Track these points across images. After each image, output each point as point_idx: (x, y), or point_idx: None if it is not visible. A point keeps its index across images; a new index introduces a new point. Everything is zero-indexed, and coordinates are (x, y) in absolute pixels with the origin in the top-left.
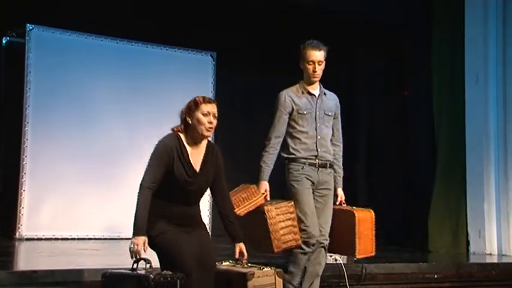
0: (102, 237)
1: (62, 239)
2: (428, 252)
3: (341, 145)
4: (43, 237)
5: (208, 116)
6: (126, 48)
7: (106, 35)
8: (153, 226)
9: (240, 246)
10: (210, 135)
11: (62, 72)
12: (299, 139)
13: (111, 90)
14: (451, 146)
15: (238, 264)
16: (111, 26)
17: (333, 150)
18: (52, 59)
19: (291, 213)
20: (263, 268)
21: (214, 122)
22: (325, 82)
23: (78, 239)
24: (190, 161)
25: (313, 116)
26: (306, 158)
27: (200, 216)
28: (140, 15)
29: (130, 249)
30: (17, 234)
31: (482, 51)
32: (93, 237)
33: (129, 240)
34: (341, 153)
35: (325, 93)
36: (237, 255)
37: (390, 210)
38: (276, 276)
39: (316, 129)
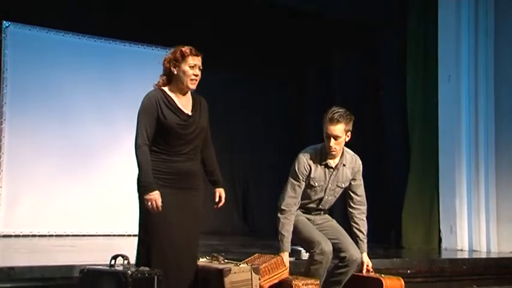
0: (80, 234)
1: (40, 235)
2: (402, 249)
3: (364, 207)
4: (20, 234)
5: (194, 68)
6: (103, 46)
7: (83, 33)
8: None
9: (220, 191)
10: (194, 87)
11: (39, 69)
12: (301, 199)
13: (88, 87)
14: (424, 145)
15: (215, 260)
16: (88, 24)
17: (351, 214)
18: (29, 56)
19: None
20: (240, 264)
21: (199, 74)
22: (307, 85)
23: (56, 235)
24: (178, 106)
25: (323, 189)
26: (301, 208)
27: (199, 177)
28: (118, 14)
29: (149, 207)
30: None
31: (454, 52)
32: (70, 234)
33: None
34: (363, 216)
35: (344, 164)
36: (216, 199)
37: None
38: (252, 272)
39: (321, 199)
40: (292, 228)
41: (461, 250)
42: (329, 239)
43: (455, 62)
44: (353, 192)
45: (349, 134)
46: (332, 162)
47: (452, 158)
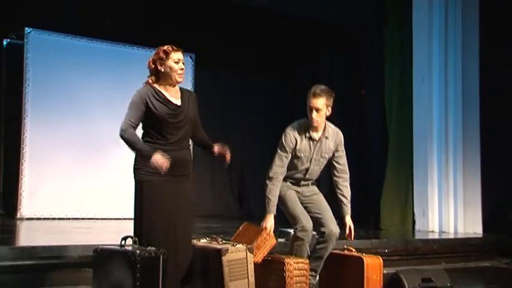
0: (94, 217)
1: (58, 218)
2: (380, 230)
3: (346, 175)
4: (41, 217)
5: (178, 63)
6: (114, 50)
7: (96, 38)
8: (144, 170)
9: (218, 146)
10: (181, 80)
11: (57, 71)
12: (289, 169)
13: (100, 87)
14: (400, 138)
15: (214, 241)
16: (101, 29)
17: (335, 182)
18: (48, 59)
19: (306, 270)
20: (236, 245)
21: (184, 67)
22: (299, 84)
23: (73, 218)
24: (168, 98)
25: (308, 159)
26: (290, 178)
27: (190, 164)
28: (127, 21)
29: (158, 166)
30: (18, 214)
31: (427, 56)
32: (86, 217)
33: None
34: (346, 183)
35: (327, 137)
36: (216, 151)
37: None
38: (247, 251)
39: (307, 168)
40: (278, 193)
41: (432, 231)
42: (312, 212)
43: (427, 65)
44: (336, 163)
45: (329, 108)
46: (315, 135)
47: (425, 150)
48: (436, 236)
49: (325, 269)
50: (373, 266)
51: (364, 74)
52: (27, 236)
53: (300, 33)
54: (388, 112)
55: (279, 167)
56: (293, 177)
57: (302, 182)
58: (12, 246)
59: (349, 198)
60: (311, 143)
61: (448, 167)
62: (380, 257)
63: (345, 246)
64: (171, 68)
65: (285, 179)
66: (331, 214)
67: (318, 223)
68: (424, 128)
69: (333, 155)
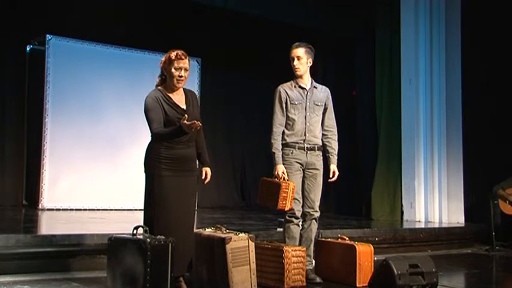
0: (108, 208)
1: (76, 209)
2: (371, 220)
3: (334, 130)
4: (60, 208)
5: (179, 70)
6: (127, 55)
7: (111, 43)
8: (155, 166)
9: (206, 170)
10: (181, 86)
11: (75, 74)
12: (290, 125)
13: (114, 89)
14: (389, 136)
15: (218, 230)
16: (115, 36)
17: (324, 136)
18: (67, 63)
19: (303, 257)
20: (238, 234)
21: (185, 74)
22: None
23: (89, 209)
24: (175, 102)
25: (303, 106)
26: (295, 143)
27: (195, 160)
28: (139, 28)
29: (194, 127)
30: (40, 205)
31: (414, 61)
32: (101, 208)
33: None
34: (334, 137)
35: (315, 87)
36: (203, 177)
37: (341, 187)
38: (249, 240)
39: (305, 117)
40: (280, 145)
41: (419, 221)
42: (304, 191)
43: (414, 69)
44: (326, 118)
45: (310, 60)
46: (304, 85)
47: (412, 147)
48: (422, 226)
49: (321, 255)
50: (365, 253)
51: (356, 77)
52: (48, 225)
53: (296, 39)
54: (378, 111)
55: (278, 120)
56: (297, 139)
57: (307, 145)
58: (34, 234)
59: (336, 150)
60: (301, 91)
61: (434, 163)
62: (371, 245)
63: (339, 235)
64: (171, 74)
65: (290, 146)
66: (319, 197)
67: (305, 205)
68: (412, 127)
69: (324, 109)
